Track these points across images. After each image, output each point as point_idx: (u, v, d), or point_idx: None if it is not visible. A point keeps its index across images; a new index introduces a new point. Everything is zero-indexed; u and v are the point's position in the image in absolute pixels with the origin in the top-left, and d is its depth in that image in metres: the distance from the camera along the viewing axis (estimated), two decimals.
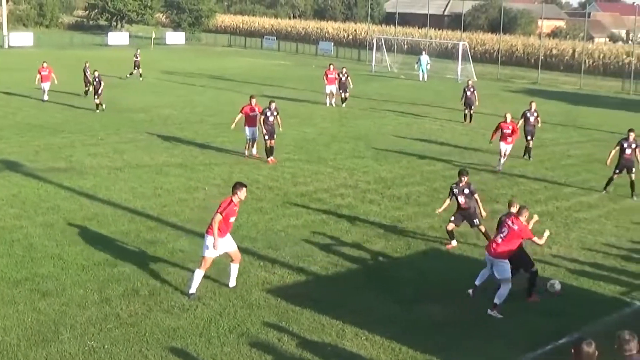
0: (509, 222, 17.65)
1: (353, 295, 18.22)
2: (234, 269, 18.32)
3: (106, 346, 15.02)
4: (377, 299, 18.03)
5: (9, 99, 48.25)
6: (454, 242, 22.14)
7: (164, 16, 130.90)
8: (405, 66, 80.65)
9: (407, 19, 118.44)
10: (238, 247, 19.09)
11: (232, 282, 18.33)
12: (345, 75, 50.62)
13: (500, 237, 17.59)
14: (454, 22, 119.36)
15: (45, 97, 47.88)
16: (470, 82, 45.91)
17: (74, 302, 17.09)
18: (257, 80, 59.68)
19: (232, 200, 17.96)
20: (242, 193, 18.09)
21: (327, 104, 50.34)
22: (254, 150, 32.96)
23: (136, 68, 62.64)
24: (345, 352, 15.18)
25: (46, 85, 48.10)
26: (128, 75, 62.17)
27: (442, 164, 33.41)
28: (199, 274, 17.65)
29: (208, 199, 26.01)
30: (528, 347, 15.68)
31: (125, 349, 14.98)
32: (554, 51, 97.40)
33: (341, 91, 50.41)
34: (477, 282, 18.43)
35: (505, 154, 32.35)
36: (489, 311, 17.35)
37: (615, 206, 27.29)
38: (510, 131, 32.08)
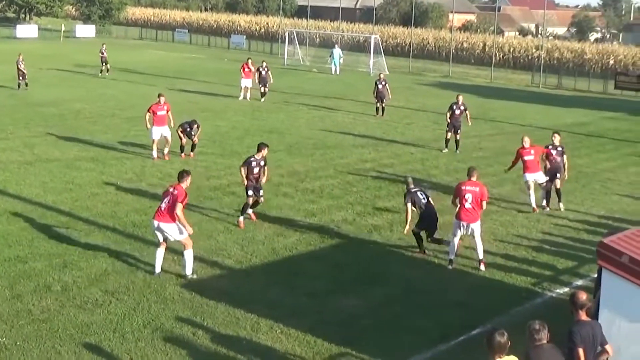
0: (473, 188, 20.23)
1: (267, 288, 18.25)
2: (188, 255, 18.64)
3: (18, 343, 14.83)
4: (291, 292, 18.09)
5: None
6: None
7: (74, 9, 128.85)
8: (318, 59, 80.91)
9: (319, 12, 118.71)
10: (151, 242, 19.09)
11: (189, 270, 18.66)
12: (266, 69, 50.36)
13: (469, 203, 19.93)
14: (366, 15, 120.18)
15: None
16: (382, 76, 46.17)
17: None
18: (170, 73, 59.33)
19: (185, 189, 18.63)
20: (189, 180, 18.83)
21: (241, 98, 50.11)
22: (166, 150, 31.71)
23: (104, 64, 61.14)
24: (260, 346, 15.20)
25: None
26: (100, 74, 60.76)
27: (355, 156, 33.59)
28: (190, 254, 18.50)
29: (120, 193, 25.82)
30: (440, 339, 15.85)
31: (38, 345, 14.80)
32: (465, 44, 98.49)
33: (260, 85, 50.08)
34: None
35: (534, 185, 26.12)
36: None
37: (526, 197, 27.65)
38: (533, 157, 26.01)
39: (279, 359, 14.80)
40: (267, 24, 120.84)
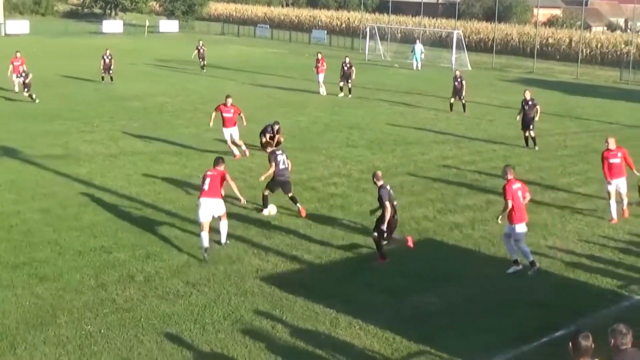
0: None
1: (346, 284, 18.28)
2: (224, 225, 20.61)
3: (102, 331, 15.18)
4: (370, 288, 18.09)
5: (5, 86, 48.04)
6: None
7: (158, 4, 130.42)
8: (399, 55, 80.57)
9: (400, 7, 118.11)
10: (231, 234, 19.38)
11: (224, 239, 20.62)
12: (349, 64, 50.15)
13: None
14: (448, 10, 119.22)
15: (17, 89, 45.53)
16: (457, 72, 45.75)
17: (70, 287, 17.26)
18: (251, 68, 59.67)
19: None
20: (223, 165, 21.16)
21: (322, 93, 50.17)
22: (243, 147, 31.62)
23: (201, 60, 61.76)
24: (339, 341, 15.24)
25: (18, 78, 45.07)
26: (202, 70, 61.64)
27: (436, 153, 33.43)
28: (226, 224, 20.67)
29: None
30: (521, 339, 15.66)
31: (121, 333, 15.11)
32: (550, 40, 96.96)
33: (348, 82, 49.85)
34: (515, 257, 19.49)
35: (615, 194, 24.17)
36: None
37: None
38: (619, 160, 24.01)
39: (357, 355, 14.82)
40: (349, 19, 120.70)
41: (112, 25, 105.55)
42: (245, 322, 15.88)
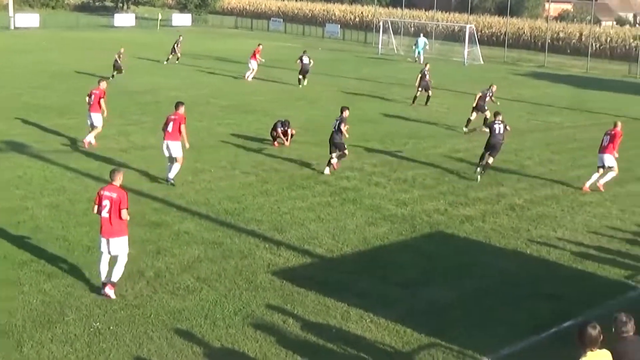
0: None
1: (358, 277, 18.26)
2: (176, 167, 25.34)
3: (111, 327, 15.08)
4: (381, 281, 18.07)
5: (15, 80, 48.15)
6: None
7: None
8: (412, 49, 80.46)
9: (413, 2, 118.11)
10: (243, 229, 19.37)
11: (172, 175, 25.36)
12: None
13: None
14: (461, 4, 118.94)
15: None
16: (428, 66, 46.28)
17: (79, 284, 17.11)
18: (265, 62, 59.52)
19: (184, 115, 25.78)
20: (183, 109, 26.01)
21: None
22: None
23: (173, 53, 62.51)
24: (350, 335, 15.22)
25: None
26: (171, 61, 62.17)
27: (448, 146, 33.39)
28: (179, 166, 25.39)
29: (214, 181, 26.07)
30: (531, 331, 15.70)
31: (130, 330, 15.03)
32: (561, 34, 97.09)
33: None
34: None
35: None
36: None
37: (621, 190, 27.25)
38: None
39: (369, 348, 14.79)
40: (362, 13, 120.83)
41: (125, 19, 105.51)
42: (256, 317, 15.85)
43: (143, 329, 15.09)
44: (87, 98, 31.23)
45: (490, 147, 27.97)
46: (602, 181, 27.05)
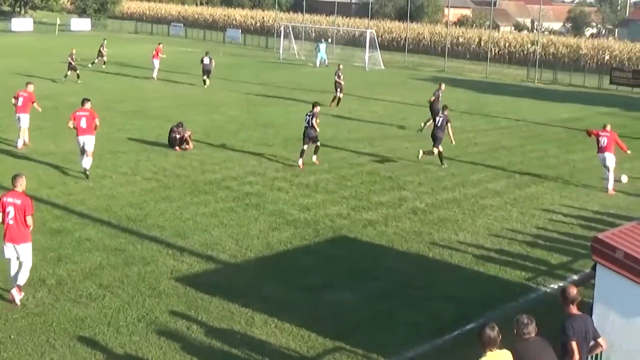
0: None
1: (262, 283, 18.24)
2: (89, 160, 26.53)
3: (12, 336, 14.79)
4: (285, 286, 18.09)
5: None
6: None
7: (69, 2, 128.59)
8: (313, 54, 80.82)
9: (315, 7, 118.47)
10: (145, 235, 19.17)
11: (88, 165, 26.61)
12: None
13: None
14: (362, 9, 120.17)
15: None
16: (341, 66, 48.49)
17: None
18: (165, 67, 59.07)
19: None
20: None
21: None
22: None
23: (99, 57, 63.70)
24: (255, 340, 15.20)
25: None
26: (97, 65, 62.63)
27: (350, 151, 33.56)
28: (91, 160, 26.63)
29: (115, 187, 25.79)
30: (433, 333, 15.87)
31: (32, 339, 14.76)
32: (461, 39, 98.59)
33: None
34: None
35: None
36: None
37: (520, 193, 27.75)
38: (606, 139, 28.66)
39: (273, 353, 14.78)
40: (263, 18, 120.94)
41: (22, 24, 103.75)
42: (160, 323, 15.73)
43: (45, 338, 14.83)
44: (13, 100, 32.03)
45: (432, 137, 31.13)
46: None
